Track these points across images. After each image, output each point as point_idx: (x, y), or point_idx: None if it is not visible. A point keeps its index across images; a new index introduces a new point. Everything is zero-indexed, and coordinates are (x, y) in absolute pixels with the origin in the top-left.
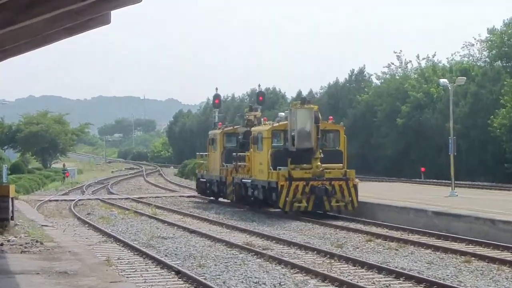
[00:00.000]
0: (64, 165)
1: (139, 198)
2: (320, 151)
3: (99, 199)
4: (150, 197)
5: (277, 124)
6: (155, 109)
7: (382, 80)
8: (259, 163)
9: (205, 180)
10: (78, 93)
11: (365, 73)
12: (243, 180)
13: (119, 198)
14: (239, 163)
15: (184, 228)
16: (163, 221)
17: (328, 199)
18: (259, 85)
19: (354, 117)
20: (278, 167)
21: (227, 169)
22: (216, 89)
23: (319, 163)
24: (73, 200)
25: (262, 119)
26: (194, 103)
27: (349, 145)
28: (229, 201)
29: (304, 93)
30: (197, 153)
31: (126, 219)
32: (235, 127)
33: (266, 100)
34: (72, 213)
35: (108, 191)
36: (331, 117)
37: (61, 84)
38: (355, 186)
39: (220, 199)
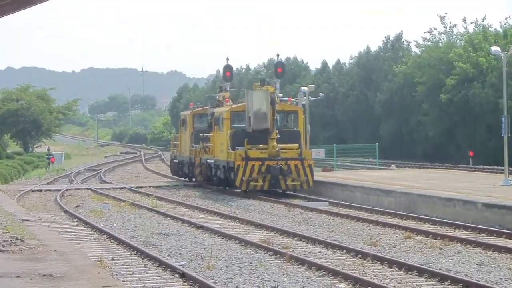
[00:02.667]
0: (48, 149)
1: (137, 187)
2: (277, 131)
3: (89, 189)
4: (150, 186)
5: (236, 105)
6: (155, 83)
7: (423, 49)
8: (220, 143)
9: (177, 161)
10: (65, 65)
11: (402, 40)
12: (208, 160)
13: (113, 188)
14: (205, 144)
15: (190, 223)
16: (165, 215)
17: (283, 178)
18: (278, 55)
19: (389, 92)
20: (236, 148)
21: (196, 150)
22: (227, 59)
23: (275, 144)
24: (60, 190)
25: (225, 100)
26: (201, 75)
27: (385, 124)
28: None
29: (331, 63)
30: (172, 134)
31: (121, 213)
32: (205, 107)
33: (286, 72)
34: (58, 206)
35: (100, 180)
36: (290, 98)
37: (45, 54)
38: (310, 166)
39: (194, 180)
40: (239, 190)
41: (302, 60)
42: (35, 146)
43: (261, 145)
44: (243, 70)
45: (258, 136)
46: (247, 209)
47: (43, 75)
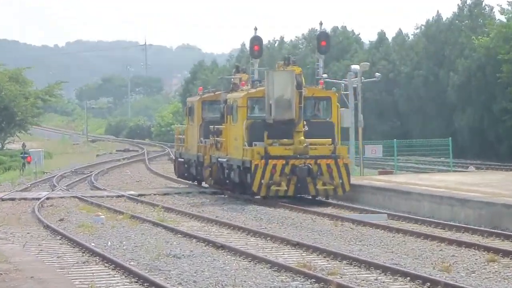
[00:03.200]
0: (23, 146)
1: (138, 195)
2: (304, 122)
3: (77, 197)
4: (155, 194)
5: (254, 90)
6: (162, 60)
7: (511, 15)
8: (234, 138)
9: (183, 160)
10: (45, 38)
11: (483, 4)
12: (219, 159)
13: (107, 196)
14: (217, 139)
15: (207, 242)
16: (175, 231)
17: (312, 181)
18: (321, 24)
19: (466, 72)
20: (254, 143)
21: (205, 146)
22: (255, 29)
23: (302, 138)
24: (38, 199)
25: (240, 83)
26: (221, 51)
27: (462, 114)
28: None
29: (390, 34)
30: (175, 126)
31: (118, 228)
32: (217, 93)
33: (332, 46)
34: (37, 219)
35: (91, 185)
36: (322, 81)
37: (19, 23)
38: (346, 166)
39: (204, 184)
40: (259, 197)
41: (353, 31)
42: (6, 142)
43: (284, 139)
44: (276, 44)
45: (281, 128)
46: (280, 223)
47: (16, 51)
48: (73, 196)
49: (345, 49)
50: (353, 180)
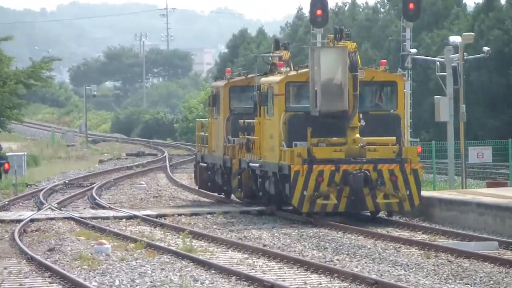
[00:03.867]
0: None
1: (157, 216)
2: (360, 115)
3: (73, 218)
4: (179, 214)
5: (294, 73)
6: (189, 30)
7: None
8: (269, 135)
9: (206, 164)
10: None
11: None
12: (250, 164)
13: (115, 218)
14: (248, 137)
15: (252, 280)
16: (208, 265)
17: (371, 193)
18: None
19: None
20: (294, 143)
21: (234, 146)
22: None
23: (357, 136)
24: (19, 221)
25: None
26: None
27: None
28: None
29: None
30: (197, 120)
31: (129, 261)
32: (250, 76)
33: (423, 10)
34: (17, 249)
35: (92, 202)
36: (384, 60)
37: None
38: (415, 172)
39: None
40: (303, 214)
41: None
42: None
43: (334, 138)
44: (346, 7)
45: (329, 123)
46: (352, 254)
47: None
48: (67, 218)
49: (441, 14)
50: (452, 195)
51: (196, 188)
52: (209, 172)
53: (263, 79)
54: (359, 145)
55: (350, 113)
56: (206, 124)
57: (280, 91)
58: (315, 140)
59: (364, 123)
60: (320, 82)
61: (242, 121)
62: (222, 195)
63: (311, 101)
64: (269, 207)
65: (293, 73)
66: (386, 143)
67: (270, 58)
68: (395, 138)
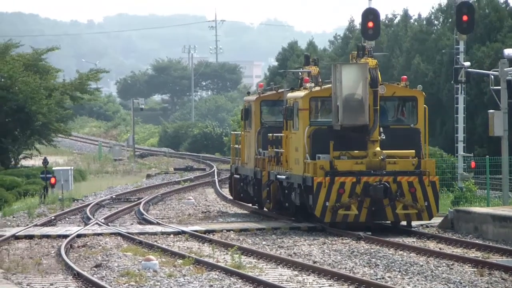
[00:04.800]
0: (45, 162)
1: (205, 232)
2: (381, 130)
3: (120, 234)
4: (228, 230)
5: (318, 88)
6: (238, 42)
7: None
8: (294, 148)
9: (239, 176)
10: (75, 10)
11: None
12: (278, 176)
13: (163, 233)
14: (276, 150)
15: None
16: (257, 282)
17: (391, 204)
18: None
19: None
20: (318, 155)
21: (264, 158)
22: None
23: (378, 149)
24: (66, 236)
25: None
26: (321, 30)
27: None
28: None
29: None
30: (232, 133)
31: (177, 278)
32: (280, 90)
33: (476, 22)
34: (64, 265)
35: (139, 218)
36: (405, 76)
37: None
38: (433, 184)
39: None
40: (325, 223)
41: (506, 1)
42: (20, 157)
43: (355, 151)
44: (397, 19)
45: (351, 136)
46: (404, 271)
47: (36, 27)
48: (114, 233)
49: (495, 26)
50: (506, 211)
51: (247, 204)
52: (241, 184)
53: (289, 94)
54: (380, 158)
55: (370, 127)
56: (239, 137)
57: (304, 106)
58: (337, 153)
59: (384, 137)
60: (342, 97)
61: (271, 134)
62: (256, 206)
63: (333, 115)
64: (294, 217)
65: (317, 88)
66: (405, 156)
67: (300, 73)
68: (414, 151)
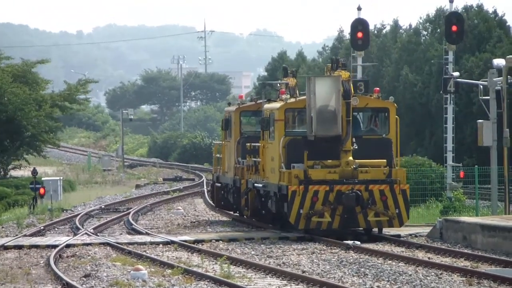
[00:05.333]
0: (34, 173)
1: (194, 242)
2: (353, 140)
3: (109, 243)
4: (217, 240)
5: (293, 100)
6: (228, 53)
7: None
8: (270, 158)
9: (220, 184)
10: (65, 21)
11: None
12: (255, 184)
13: (152, 243)
14: (254, 159)
15: None
16: None
17: (362, 212)
18: (452, 1)
19: None
20: (293, 165)
21: (243, 167)
22: (359, 9)
23: (350, 158)
24: (55, 246)
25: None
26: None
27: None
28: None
29: None
30: (214, 143)
31: (166, 287)
32: (259, 101)
33: (466, 32)
34: (53, 275)
35: (128, 228)
36: (377, 88)
37: (30, 2)
38: (404, 193)
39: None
40: (299, 232)
41: (495, 11)
42: (9, 167)
43: (329, 160)
44: (386, 29)
45: (324, 146)
46: (392, 281)
47: (26, 38)
48: (103, 243)
49: (484, 36)
50: (495, 221)
51: (235, 214)
52: (222, 192)
53: (266, 105)
54: (352, 167)
55: (343, 137)
56: (220, 147)
57: (280, 117)
58: (311, 162)
59: (357, 147)
60: (316, 108)
61: (249, 144)
62: (236, 214)
63: (307, 126)
64: (271, 224)
65: (292, 100)
66: (377, 165)
67: (278, 85)
68: (385, 160)
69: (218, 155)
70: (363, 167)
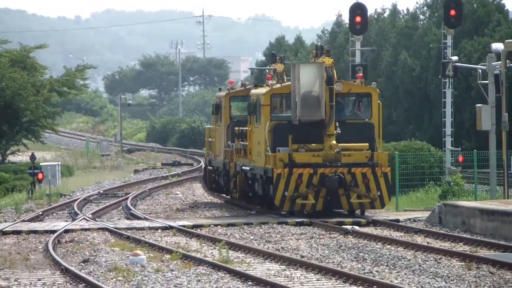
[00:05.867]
0: (33, 158)
1: (193, 226)
2: (337, 124)
3: (107, 229)
4: (216, 225)
5: (279, 85)
6: (226, 37)
7: None
8: (257, 142)
9: (212, 167)
10: (63, 6)
11: None
12: (243, 167)
13: (150, 228)
14: (242, 143)
15: None
16: (245, 277)
17: (345, 194)
18: None
19: None
20: (278, 148)
21: (232, 151)
22: None
23: (333, 142)
24: (53, 231)
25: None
26: (309, 25)
27: None
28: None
29: None
30: (206, 127)
31: (165, 272)
32: (248, 87)
33: (465, 17)
34: (51, 260)
35: (127, 213)
36: (360, 74)
37: None
38: (385, 175)
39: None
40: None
41: None
42: (8, 152)
43: (313, 144)
44: (385, 14)
45: (308, 131)
46: (391, 265)
47: (23, 23)
48: (101, 228)
49: (483, 21)
50: (494, 205)
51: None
52: (213, 175)
53: (253, 91)
54: (335, 150)
55: (326, 122)
56: (212, 131)
57: (266, 102)
58: (295, 146)
59: (340, 131)
60: (300, 94)
61: (237, 128)
62: (228, 197)
63: (292, 111)
64: (261, 207)
65: (278, 85)
66: (360, 148)
67: (267, 71)
68: (368, 144)
69: (210, 139)
70: (346, 151)
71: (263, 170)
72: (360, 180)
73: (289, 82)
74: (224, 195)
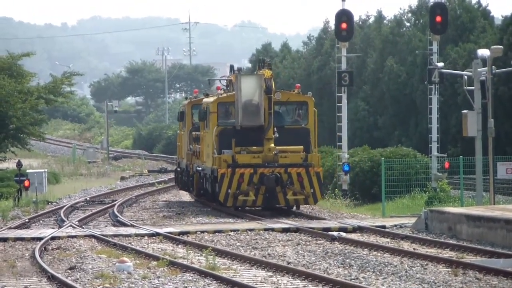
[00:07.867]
0: (19, 165)
1: (179, 233)
2: (275, 129)
3: (94, 236)
4: (202, 231)
5: (225, 95)
6: (212, 44)
7: None
8: (207, 145)
9: (180, 169)
10: (50, 13)
11: None
12: (197, 168)
13: (137, 235)
14: (196, 146)
15: None
16: (231, 283)
17: (282, 191)
18: None
19: None
20: (223, 151)
21: (191, 153)
22: (343, 0)
23: (272, 145)
24: (40, 239)
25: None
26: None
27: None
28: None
29: None
30: (177, 132)
31: (151, 279)
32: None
33: (450, 23)
34: (38, 267)
35: (113, 220)
36: (298, 85)
37: None
38: (318, 175)
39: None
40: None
41: (478, 1)
42: None
43: (253, 147)
44: (370, 20)
45: (250, 135)
46: (378, 272)
47: (10, 30)
48: (88, 235)
49: (468, 27)
50: (480, 211)
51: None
52: (180, 175)
53: (204, 99)
54: (273, 153)
55: (265, 127)
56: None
57: (213, 110)
58: (238, 149)
59: (278, 135)
60: (242, 102)
61: (194, 133)
62: (193, 194)
63: (235, 117)
64: (212, 203)
65: (224, 95)
66: (295, 151)
67: (220, 81)
68: (302, 147)
69: (178, 144)
70: (283, 153)
71: (210, 170)
72: (295, 179)
73: (234, 92)
74: (187, 193)
